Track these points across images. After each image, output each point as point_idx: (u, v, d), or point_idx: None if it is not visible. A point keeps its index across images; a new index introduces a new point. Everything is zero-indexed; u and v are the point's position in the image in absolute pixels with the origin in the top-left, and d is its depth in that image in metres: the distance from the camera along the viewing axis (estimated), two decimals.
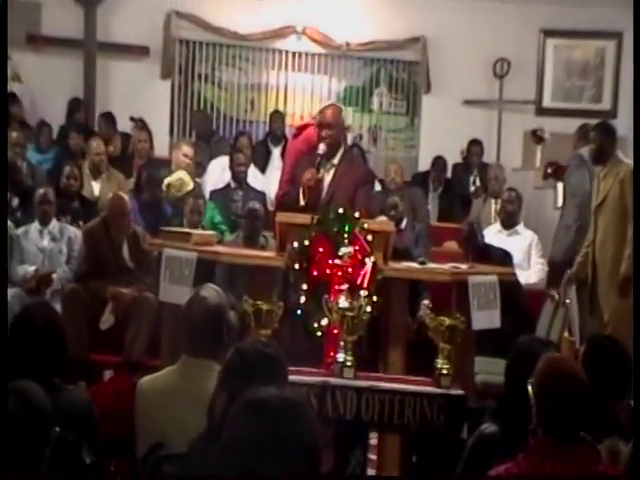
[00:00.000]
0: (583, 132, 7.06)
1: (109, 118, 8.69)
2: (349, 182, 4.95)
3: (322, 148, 4.92)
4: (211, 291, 3.21)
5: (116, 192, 6.22)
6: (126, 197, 6.01)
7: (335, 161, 5.01)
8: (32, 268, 5.81)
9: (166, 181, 7.10)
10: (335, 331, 4.10)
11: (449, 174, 9.06)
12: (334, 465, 4.44)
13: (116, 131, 8.58)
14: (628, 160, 5.59)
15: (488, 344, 5.01)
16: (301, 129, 6.08)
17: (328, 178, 4.97)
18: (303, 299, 4.35)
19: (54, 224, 6.05)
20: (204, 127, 9.39)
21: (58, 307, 5.27)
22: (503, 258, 5.85)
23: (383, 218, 5.74)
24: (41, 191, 6.05)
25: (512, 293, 5.20)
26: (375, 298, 4.29)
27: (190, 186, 7.13)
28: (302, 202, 4.85)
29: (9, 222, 5.84)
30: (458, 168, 9.24)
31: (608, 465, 2.64)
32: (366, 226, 4.42)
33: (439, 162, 8.89)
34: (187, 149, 7.60)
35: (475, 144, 9.20)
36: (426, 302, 5.46)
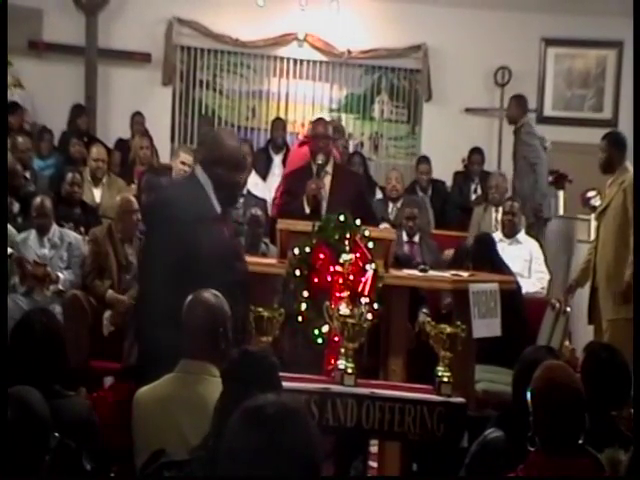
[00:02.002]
0: (522, 102, 8.13)
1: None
2: (348, 189, 5.11)
3: (321, 158, 5.11)
4: (210, 294, 3.22)
5: (124, 195, 6.27)
6: (134, 199, 6.04)
7: (329, 169, 5.20)
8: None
9: None
10: (336, 338, 4.10)
11: (434, 176, 8.80)
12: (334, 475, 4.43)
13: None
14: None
15: (489, 352, 5.00)
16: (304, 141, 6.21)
17: (325, 186, 5.14)
18: (304, 306, 4.35)
19: (54, 230, 5.99)
20: None
21: (58, 311, 5.29)
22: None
23: (385, 225, 5.75)
24: (37, 202, 5.92)
25: (513, 301, 5.17)
26: (376, 305, 4.29)
27: None
28: (307, 210, 4.98)
29: (11, 228, 5.83)
30: (459, 176, 9.21)
31: (609, 475, 2.61)
32: (367, 233, 4.42)
33: (423, 164, 8.54)
34: (185, 157, 7.57)
35: (476, 152, 9.18)
36: (425, 310, 5.46)
